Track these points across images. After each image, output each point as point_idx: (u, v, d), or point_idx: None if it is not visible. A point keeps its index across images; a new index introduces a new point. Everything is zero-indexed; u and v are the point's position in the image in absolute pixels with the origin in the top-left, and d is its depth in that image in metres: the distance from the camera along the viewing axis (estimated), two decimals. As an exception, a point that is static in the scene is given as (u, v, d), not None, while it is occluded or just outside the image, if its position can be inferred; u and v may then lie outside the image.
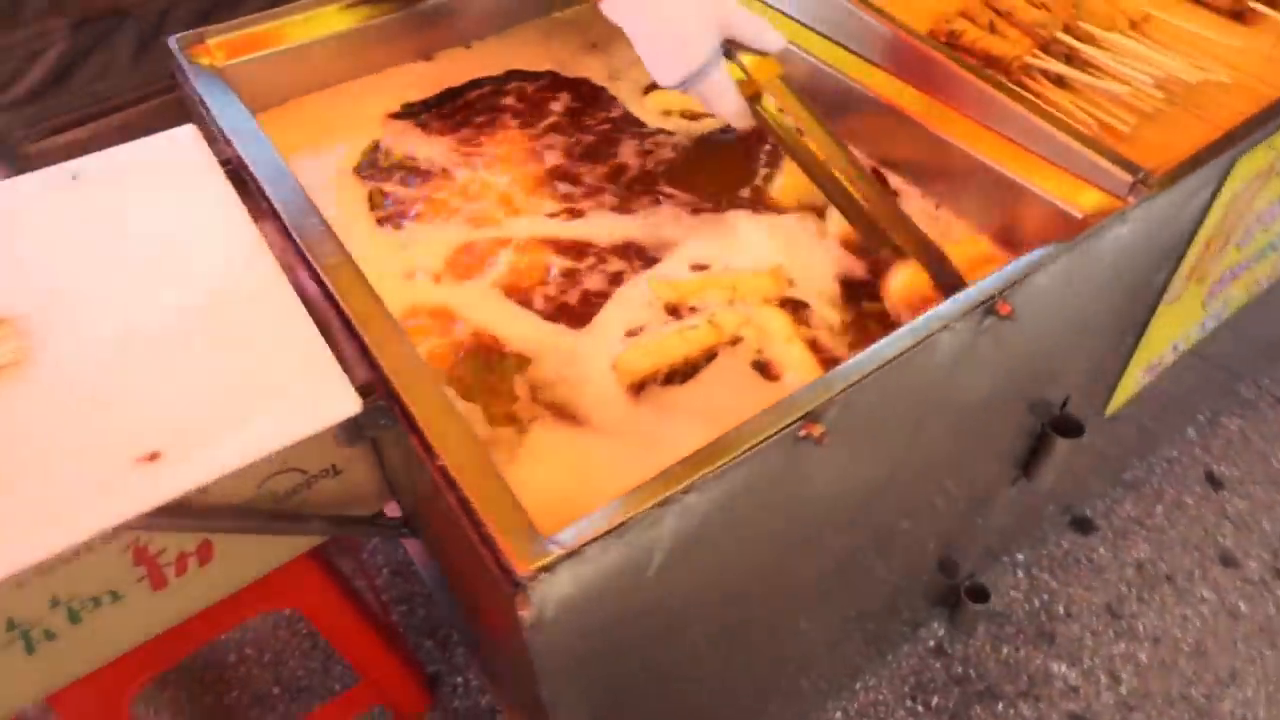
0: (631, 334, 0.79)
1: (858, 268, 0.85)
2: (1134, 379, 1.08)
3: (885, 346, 0.64)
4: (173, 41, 0.99)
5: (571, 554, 0.53)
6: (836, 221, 0.88)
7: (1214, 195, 0.85)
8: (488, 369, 0.77)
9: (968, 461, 0.88)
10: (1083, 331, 0.87)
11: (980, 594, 1.22)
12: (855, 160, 0.83)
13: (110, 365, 0.61)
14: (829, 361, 0.76)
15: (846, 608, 0.98)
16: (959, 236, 0.88)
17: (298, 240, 0.75)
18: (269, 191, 0.79)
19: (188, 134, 0.81)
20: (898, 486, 0.78)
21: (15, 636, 0.83)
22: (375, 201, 0.93)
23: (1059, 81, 0.99)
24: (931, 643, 1.33)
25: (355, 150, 0.99)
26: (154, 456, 0.58)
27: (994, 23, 1.04)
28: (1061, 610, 1.38)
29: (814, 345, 0.77)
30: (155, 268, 0.68)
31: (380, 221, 0.91)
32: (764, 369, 0.77)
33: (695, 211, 0.92)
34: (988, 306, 0.67)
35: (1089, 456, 1.24)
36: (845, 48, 0.98)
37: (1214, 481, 1.55)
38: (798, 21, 1.02)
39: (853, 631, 1.08)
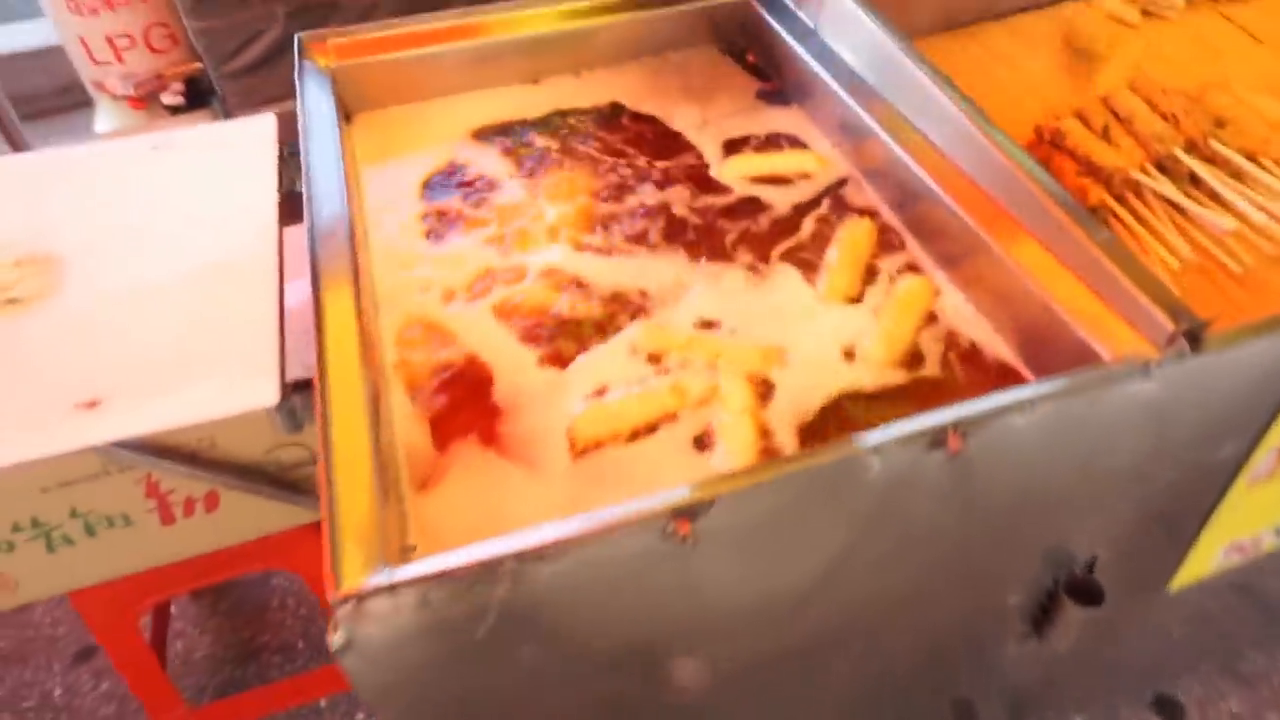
0: (598, 393, 0.77)
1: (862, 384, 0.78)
2: (1210, 556, 0.93)
3: (798, 459, 0.59)
4: (298, 38, 1.09)
5: (388, 590, 0.53)
6: (870, 337, 0.82)
7: (1302, 367, 0.72)
8: (460, 394, 0.79)
9: (941, 604, 0.79)
10: (1105, 489, 0.76)
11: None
12: None
13: (103, 314, 0.68)
14: (768, 452, 0.71)
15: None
16: (983, 339, 0.80)
17: (313, 237, 0.80)
18: (309, 189, 0.85)
19: (265, 123, 0.89)
20: (831, 611, 0.71)
21: (40, 534, 0.93)
22: (428, 213, 0.98)
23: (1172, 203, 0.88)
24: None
25: (434, 161, 1.05)
26: (92, 404, 0.64)
27: (1109, 128, 0.93)
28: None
29: (765, 432, 0.73)
30: (178, 236, 0.75)
31: (426, 234, 0.95)
32: (701, 441, 0.73)
33: (720, 267, 0.90)
34: (933, 439, 0.61)
35: (1160, 632, 1.08)
36: (921, 133, 0.91)
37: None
38: (882, 97, 0.96)
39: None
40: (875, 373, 0.77)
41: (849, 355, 0.79)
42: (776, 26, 1.12)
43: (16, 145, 2.32)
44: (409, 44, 1.12)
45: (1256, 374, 0.72)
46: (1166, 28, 1.18)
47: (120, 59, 2.07)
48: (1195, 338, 0.66)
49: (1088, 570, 0.83)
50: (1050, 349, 0.74)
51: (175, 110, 1.99)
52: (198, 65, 1.97)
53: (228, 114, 2.01)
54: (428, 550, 0.68)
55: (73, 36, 2.03)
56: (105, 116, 2.03)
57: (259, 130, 0.88)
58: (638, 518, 0.56)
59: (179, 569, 1.03)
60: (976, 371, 0.78)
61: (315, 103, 0.99)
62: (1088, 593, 0.82)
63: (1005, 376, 0.77)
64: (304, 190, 0.87)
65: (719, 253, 0.92)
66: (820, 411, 0.74)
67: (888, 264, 0.89)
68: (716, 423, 0.74)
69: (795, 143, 1.05)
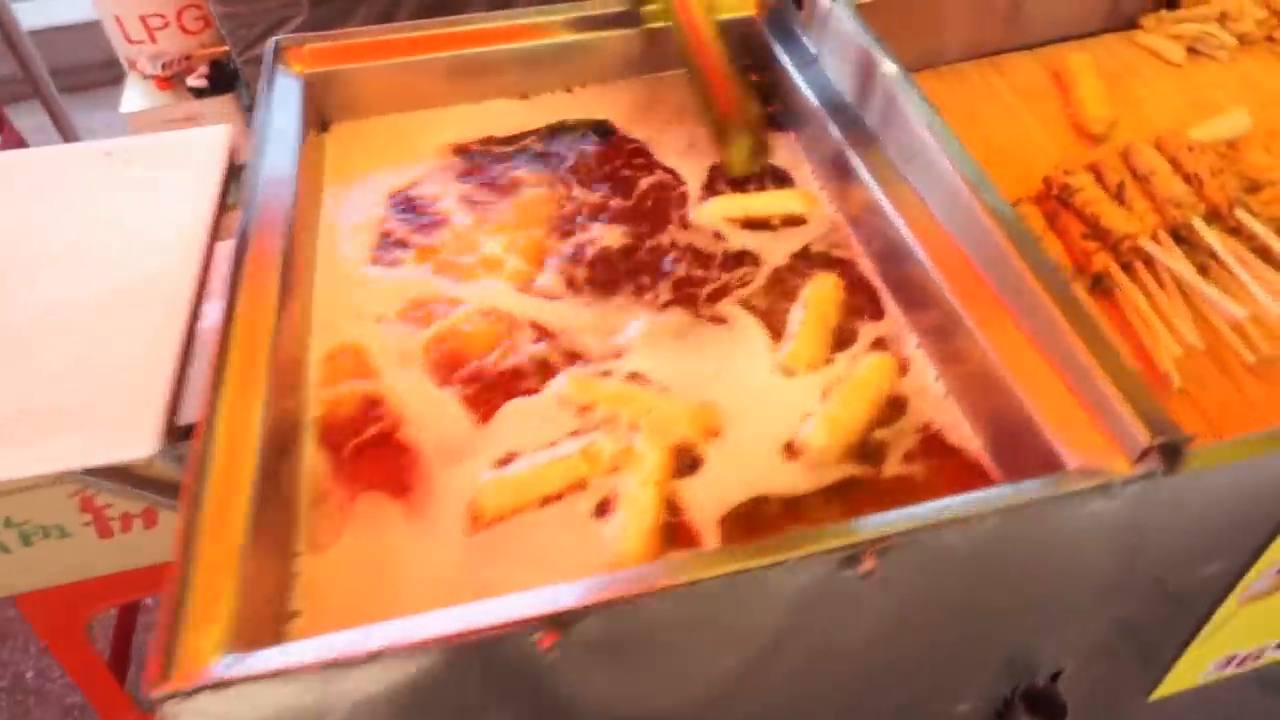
0: (505, 461, 0.72)
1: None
2: (1199, 670, 0.84)
3: (679, 567, 0.53)
4: (274, 43, 1.05)
5: (212, 687, 0.49)
6: (816, 422, 0.73)
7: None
8: (374, 445, 0.74)
9: (878, 708, 0.72)
10: (1069, 603, 0.68)
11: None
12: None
13: (7, 339, 0.66)
14: (671, 530, 0.65)
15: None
16: (951, 430, 0.72)
17: (239, 255, 0.76)
18: (246, 203, 0.81)
19: (218, 134, 0.86)
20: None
21: (-27, 541, 0.92)
22: (384, 234, 0.93)
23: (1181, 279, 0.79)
24: None
25: (403, 178, 1.00)
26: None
27: (1125, 186, 0.84)
28: None
29: (674, 507, 0.67)
30: (102, 252, 0.72)
31: (377, 258, 0.91)
32: (603, 507, 0.68)
33: (679, 316, 0.83)
34: (845, 558, 0.54)
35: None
36: (909, 183, 0.83)
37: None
38: (874, 138, 0.88)
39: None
40: (815, 464, 0.70)
41: (791, 440, 0.72)
42: (778, 50, 1.05)
43: (55, 117, 2.36)
44: (393, 52, 1.07)
45: (1246, 494, 0.63)
46: (1214, 69, 1.07)
47: (153, 38, 2.08)
48: (1172, 455, 0.58)
49: (1051, 681, 0.76)
50: (1020, 449, 0.66)
51: (199, 93, 1.99)
52: (224, 49, 1.97)
53: (250, 99, 2.01)
54: (313, 616, 0.65)
55: (109, 14, 2.04)
56: (133, 95, 2.04)
57: (212, 141, 0.85)
58: (501, 626, 0.51)
59: (126, 576, 1.01)
60: (938, 469, 0.70)
61: (277, 111, 0.95)
62: (1048, 705, 0.74)
63: (971, 477, 0.69)
64: (241, 205, 0.83)
65: (681, 300, 0.85)
66: (745, 503, 0.67)
67: (866, 330, 0.82)
68: (621, 489, 0.68)
69: (783, 179, 0.98)
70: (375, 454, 0.73)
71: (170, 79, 2.04)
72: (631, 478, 0.69)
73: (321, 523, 0.68)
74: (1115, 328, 0.79)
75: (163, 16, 2.04)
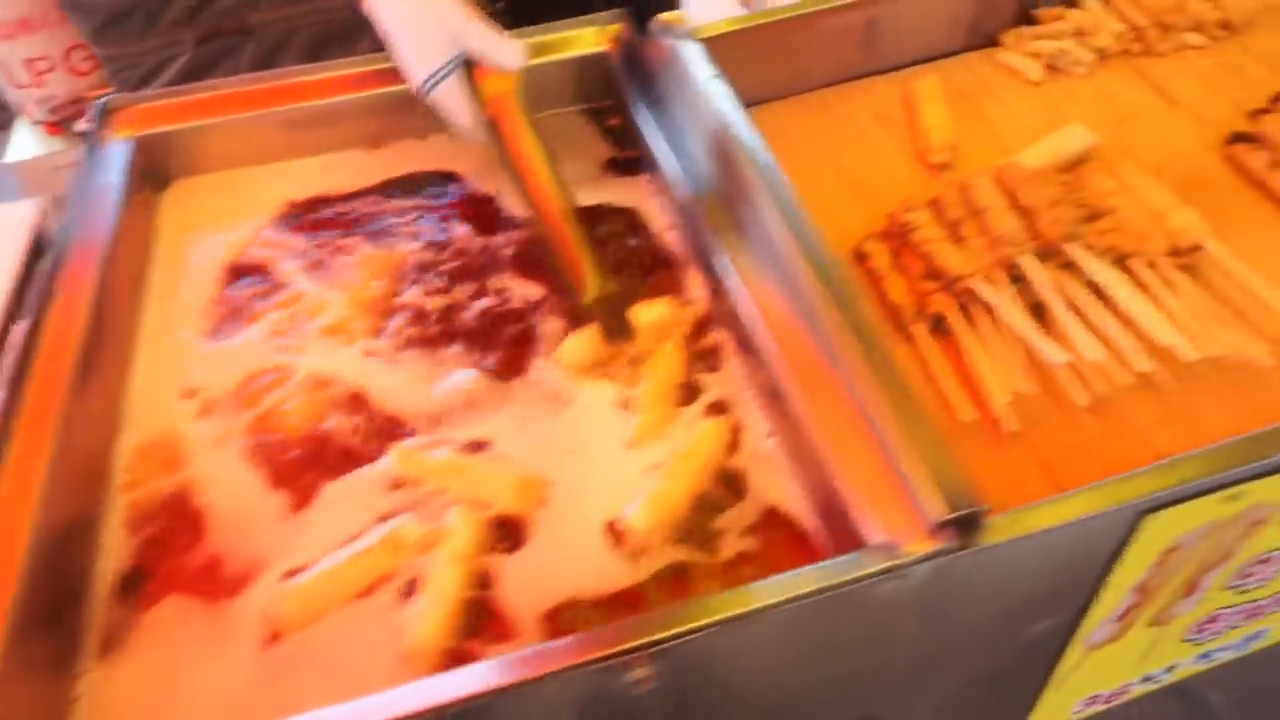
0: (310, 562, 0.68)
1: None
2: (1062, 713, 0.82)
3: (454, 682, 0.50)
4: (99, 104, 1.01)
5: None
6: (639, 504, 0.69)
7: (1115, 554, 0.61)
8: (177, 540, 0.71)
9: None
10: (892, 670, 0.66)
11: None
12: (569, 199, 0.86)
13: None
14: (476, 607, 0.63)
15: None
16: (786, 502, 0.70)
17: (31, 338, 0.73)
18: (45, 281, 0.77)
19: (26, 209, 0.82)
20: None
21: None
22: (216, 301, 0.89)
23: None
24: None
25: (240, 238, 0.96)
26: None
27: (961, 223, 0.82)
28: None
29: (483, 578, 0.64)
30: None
31: (206, 329, 0.87)
32: (411, 587, 0.65)
33: (506, 380, 0.80)
34: (620, 666, 0.51)
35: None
36: (742, 231, 0.81)
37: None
38: (713, 183, 0.85)
39: None
40: (637, 550, 0.67)
41: (614, 522, 0.69)
42: (631, 90, 1.02)
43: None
44: (234, 106, 1.03)
45: (1056, 556, 0.61)
46: (1072, 85, 1.05)
47: (40, 82, 2.01)
48: (970, 527, 0.56)
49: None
50: (837, 522, 0.64)
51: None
52: (110, 91, 1.91)
53: (142, 141, 1.95)
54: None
55: (-9, 61, 1.97)
56: (20, 142, 1.98)
57: (14, 217, 0.81)
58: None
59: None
60: (774, 543, 0.67)
61: (101, 174, 0.91)
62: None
63: (803, 553, 0.66)
64: (36, 280, 0.79)
65: (526, 365, 0.82)
66: (562, 602, 0.64)
67: (710, 385, 0.79)
68: (429, 568, 0.65)
69: (635, 224, 0.95)
70: (179, 552, 0.70)
71: (59, 124, 1.97)
72: (440, 556, 0.66)
73: (111, 638, 0.65)
74: (956, 371, 0.77)
75: (48, 59, 1.97)
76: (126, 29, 1.73)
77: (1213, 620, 0.77)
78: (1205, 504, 0.60)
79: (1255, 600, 0.78)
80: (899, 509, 0.59)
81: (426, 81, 0.85)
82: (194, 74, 1.82)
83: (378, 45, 0.93)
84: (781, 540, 0.68)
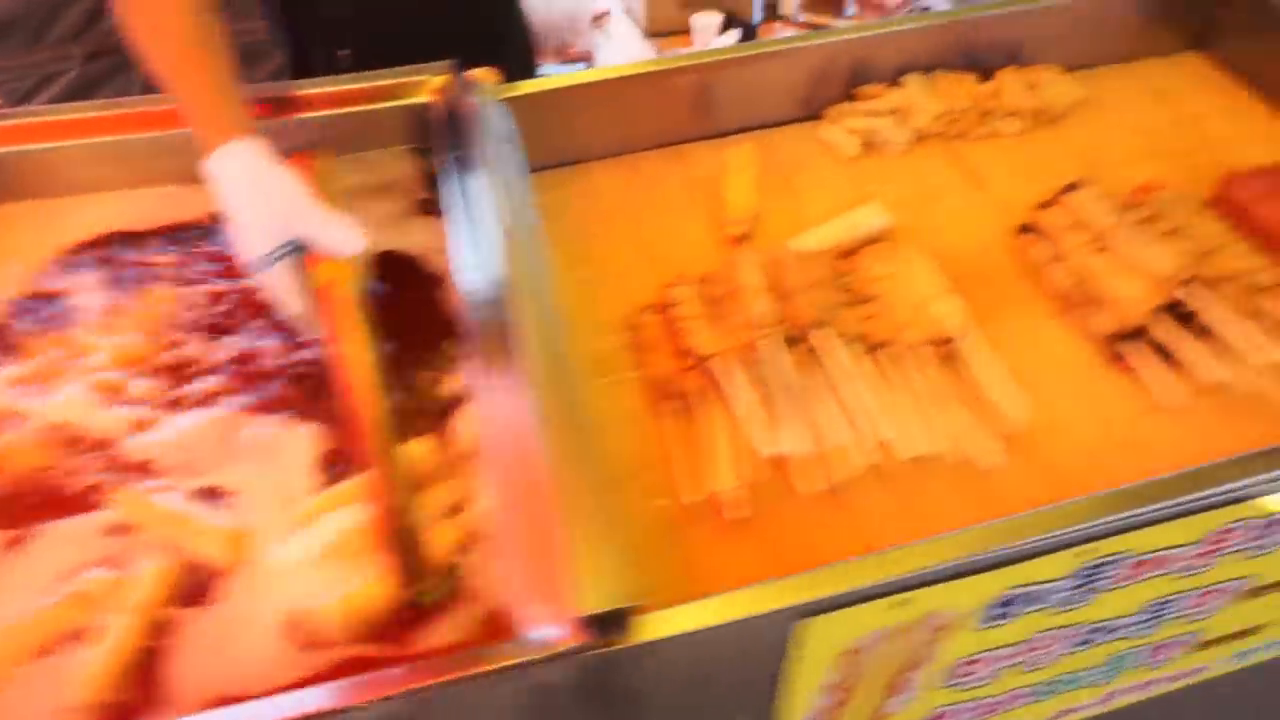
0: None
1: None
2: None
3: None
4: (-104, 129, 1.00)
5: None
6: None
7: (780, 656, 0.61)
8: None
9: None
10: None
11: None
12: (380, 397, 0.76)
13: None
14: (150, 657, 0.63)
15: None
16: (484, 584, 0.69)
17: None
18: None
19: None
20: None
21: None
22: (-5, 339, 0.88)
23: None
24: None
25: (31, 270, 0.95)
26: None
27: (723, 302, 0.82)
28: None
29: (158, 629, 0.64)
30: None
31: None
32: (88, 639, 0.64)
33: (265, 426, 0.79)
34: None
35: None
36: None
37: None
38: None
39: None
40: (315, 641, 0.66)
41: (292, 612, 0.67)
42: (446, 142, 1.02)
43: None
44: (53, 134, 1.02)
45: (725, 654, 0.61)
46: (886, 164, 1.06)
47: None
48: (613, 625, 0.56)
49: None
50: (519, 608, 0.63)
51: (-26, 148, 1.91)
52: (1, 103, 1.89)
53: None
54: None
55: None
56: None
57: None
58: None
59: None
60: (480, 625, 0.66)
61: None
62: None
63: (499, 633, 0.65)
64: None
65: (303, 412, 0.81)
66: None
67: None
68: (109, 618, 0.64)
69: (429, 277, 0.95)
70: None
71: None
72: (121, 605, 0.65)
73: None
74: (693, 453, 0.77)
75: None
76: (10, 43, 1.73)
77: (939, 718, 0.77)
78: (871, 610, 0.60)
79: (991, 696, 0.78)
80: (555, 602, 0.58)
81: (254, 263, 0.80)
82: (82, 90, 1.82)
83: (280, 72, 0.91)
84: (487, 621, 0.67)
